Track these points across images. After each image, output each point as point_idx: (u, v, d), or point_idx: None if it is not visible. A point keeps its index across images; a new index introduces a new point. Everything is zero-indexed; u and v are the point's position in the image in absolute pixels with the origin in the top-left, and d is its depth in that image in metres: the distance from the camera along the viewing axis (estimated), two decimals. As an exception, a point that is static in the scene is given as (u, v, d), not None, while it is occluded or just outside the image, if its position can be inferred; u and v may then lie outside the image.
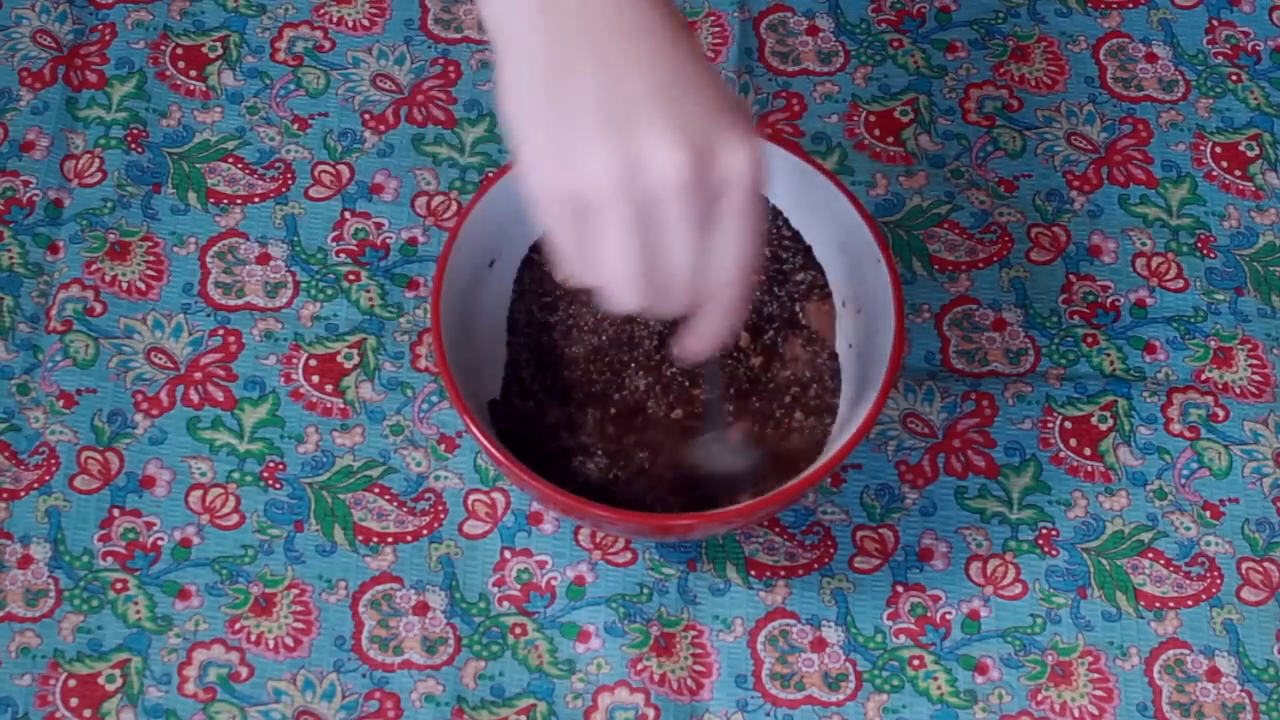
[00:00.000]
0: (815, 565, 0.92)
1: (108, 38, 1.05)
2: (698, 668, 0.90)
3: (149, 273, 0.98)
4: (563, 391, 0.90)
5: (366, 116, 1.03)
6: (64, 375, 0.95)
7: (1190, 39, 1.07)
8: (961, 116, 1.04)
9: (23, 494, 0.92)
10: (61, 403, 0.94)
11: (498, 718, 0.88)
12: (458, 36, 1.06)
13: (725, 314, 0.71)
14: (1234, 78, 1.06)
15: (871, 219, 0.88)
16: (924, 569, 0.92)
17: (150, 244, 0.99)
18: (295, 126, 1.02)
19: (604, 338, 0.91)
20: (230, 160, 1.01)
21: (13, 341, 0.96)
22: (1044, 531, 0.93)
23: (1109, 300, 0.99)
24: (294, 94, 1.03)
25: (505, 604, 0.91)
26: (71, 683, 0.88)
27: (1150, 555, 0.93)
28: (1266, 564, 0.93)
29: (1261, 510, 0.94)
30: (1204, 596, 0.92)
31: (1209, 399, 0.97)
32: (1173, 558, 0.93)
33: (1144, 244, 1.01)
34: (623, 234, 0.66)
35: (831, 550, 0.92)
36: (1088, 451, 0.95)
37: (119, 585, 0.90)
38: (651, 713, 0.88)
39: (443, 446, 0.94)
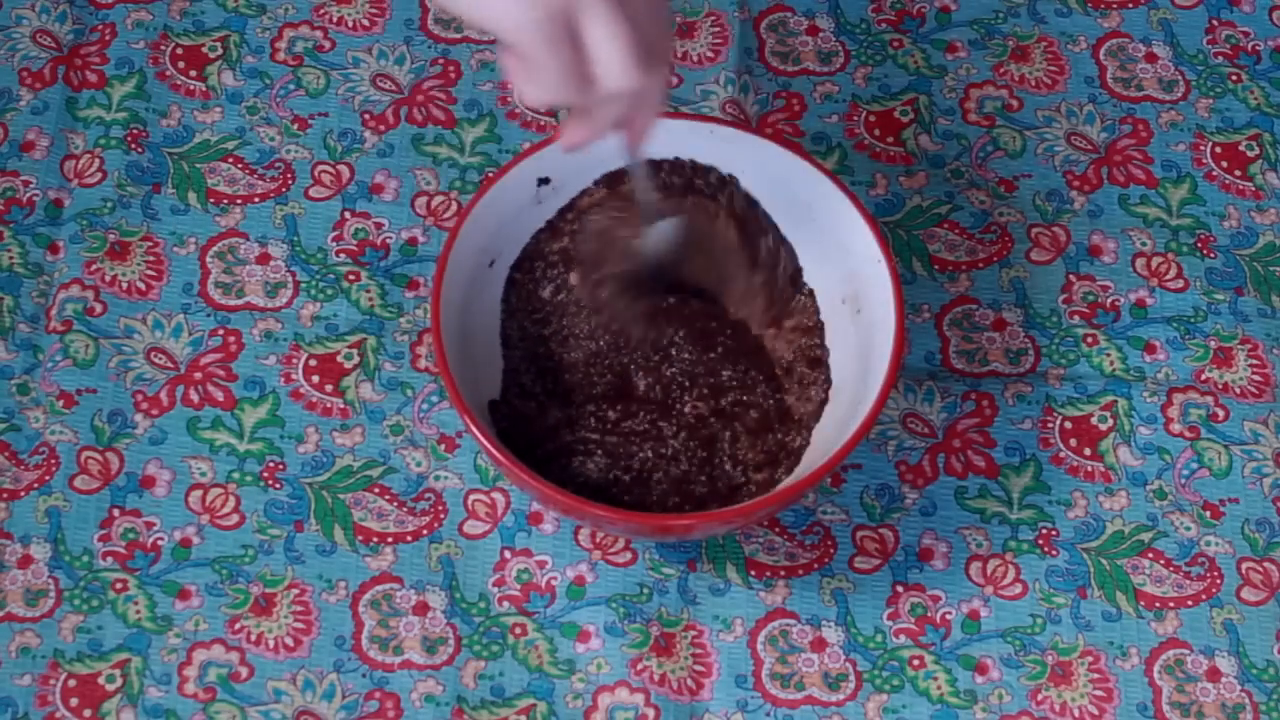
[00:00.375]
0: (815, 565, 0.92)
1: (108, 38, 1.05)
2: (698, 668, 0.90)
3: (149, 273, 0.98)
4: (563, 393, 0.90)
5: (366, 116, 1.03)
6: (64, 375, 0.95)
7: (1190, 39, 1.07)
8: (961, 116, 1.04)
9: (23, 494, 0.92)
10: (61, 403, 0.94)
11: (498, 718, 0.88)
12: (458, 36, 1.06)
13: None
14: (1234, 78, 1.06)
15: (872, 219, 0.88)
16: (924, 569, 0.92)
17: (150, 244, 0.99)
18: (295, 126, 1.02)
19: (601, 343, 0.91)
20: (230, 160, 1.01)
21: (13, 341, 0.96)
22: (1044, 531, 0.93)
23: (1109, 300, 0.99)
24: (294, 94, 1.03)
25: (505, 604, 0.91)
26: (71, 683, 0.88)
27: (1150, 555, 0.93)
28: (1266, 564, 0.93)
29: (1261, 510, 0.94)
30: (1204, 596, 0.92)
31: (1209, 399, 0.97)
32: (1173, 558, 0.93)
33: (1144, 244, 1.01)
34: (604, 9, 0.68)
35: (831, 550, 0.92)
36: (1088, 451, 0.95)
37: (119, 585, 0.90)
38: (651, 713, 0.88)
39: (443, 446, 0.94)
